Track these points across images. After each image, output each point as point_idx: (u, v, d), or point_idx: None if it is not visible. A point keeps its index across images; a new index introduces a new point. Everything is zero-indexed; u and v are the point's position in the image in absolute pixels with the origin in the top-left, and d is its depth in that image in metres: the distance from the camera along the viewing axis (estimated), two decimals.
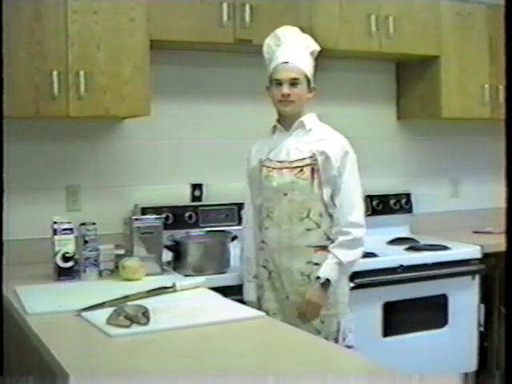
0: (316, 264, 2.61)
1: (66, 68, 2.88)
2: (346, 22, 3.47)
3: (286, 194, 2.63)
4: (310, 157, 2.62)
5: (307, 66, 2.66)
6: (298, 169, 2.62)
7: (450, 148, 4.23)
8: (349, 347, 2.59)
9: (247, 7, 3.21)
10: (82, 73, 2.89)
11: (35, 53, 2.83)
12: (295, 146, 2.67)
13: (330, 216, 2.63)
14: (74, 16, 2.89)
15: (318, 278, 2.58)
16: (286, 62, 2.63)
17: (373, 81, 4.01)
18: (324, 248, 2.62)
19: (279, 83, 2.63)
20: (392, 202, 3.92)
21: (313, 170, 2.61)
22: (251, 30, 3.22)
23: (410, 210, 3.99)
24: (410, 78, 4.00)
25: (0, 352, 2.18)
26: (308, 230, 2.62)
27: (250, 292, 2.79)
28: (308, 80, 2.65)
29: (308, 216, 2.62)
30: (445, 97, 3.80)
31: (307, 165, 2.62)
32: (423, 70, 3.89)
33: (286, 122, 2.70)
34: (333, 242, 2.62)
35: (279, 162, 2.67)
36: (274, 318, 2.60)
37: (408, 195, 4.00)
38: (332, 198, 2.63)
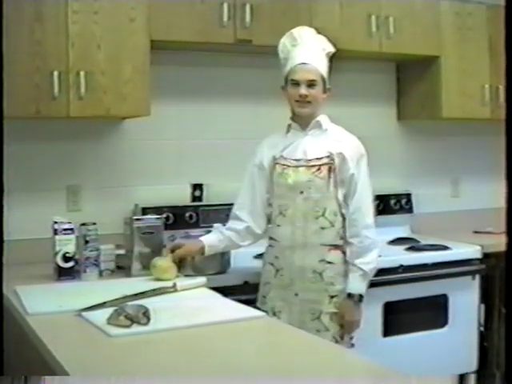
0: (329, 262, 2.64)
1: (67, 68, 2.88)
2: (346, 22, 3.47)
3: (301, 192, 2.64)
4: (328, 156, 2.64)
5: (324, 68, 2.67)
6: (316, 167, 2.64)
7: (450, 148, 4.23)
8: (351, 345, 2.64)
9: (247, 7, 3.21)
10: (82, 73, 2.89)
11: (36, 53, 2.83)
12: (312, 145, 2.68)
13: (343, 216, 2.66)
14: (75, 16, 2.89)
15: (350, 295, 2.63)
16: (304, 63, 2.63)
17: (373, 81, 4.01)
18: (337, 247, 2.66)
19: (296, 83, 2.63)
20: (392, 202, 3.92)
21: (330, 170, 2.63)
22: (251, 30, 3.23)
23: (410, 210, 3.99)
24: (410, 79, 4.01)
25: (0, 352, 2.18)
26: (322, 228, 2.64)
27: (208, 236, 2.81)
28: (324, 81, 2.66)
29: (323, 214, 2.64)
30: (445, 97, 3.80)
31: (324, 164, 2.64)
32: (423, 70, 3.90)
33: (302, 121, 2.71)
34: (346, 242, 2.65)
35: (295, 160, 2.68)
36: (279, 316, 2.64)
37: (408, 195, 4.00)
38: (345, 198, 2.66)
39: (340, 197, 2.65)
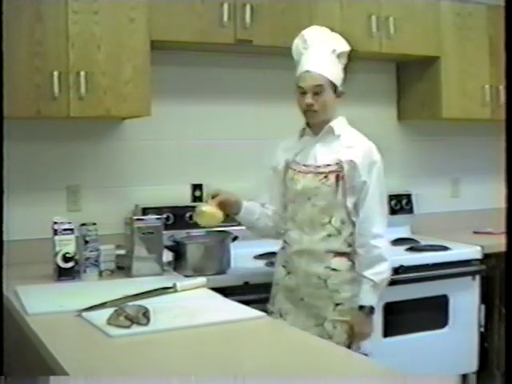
0: (334, 270, 2.59)
1: (67, 68, 2.88)
2: (346, 22, 3.47)
3: (309, 199, 2.61)
4: (336, 163, 2.58)
5: (332, 72, 2.60)
6: (323, 175, 2.59)
7: (450, 148, 4.23)
8: (364, 355, 2.53)
9: (248, 8, 3.21)
10: (82, 73, 2.89)
11: (36, 53, 2.83)
12: (323, 152, 2.63)
13: (353, 223, 2.60)
14: (75, 16, 2.89)
15: (362, 307, 2.57)
16: (309, 71, 2.58)
17: (373, 81, 4.01)
18: (343, 254, 2.60)
19: (303, 92, 2.59)
20: (393, 202, 3.91)
21: (338, 177, 2.57)
22: (252, 30, 3.23)
23: (410, 211, 3.99)
24: (410, 79, 4.01)
25: (0, 352, 2.18)
26: (329, 235, 2.59)
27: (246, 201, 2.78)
28: (334, 85, 2.60)
29: (330, 222, 2.59)
30: (445, 97, 3.80)
31: (332, 171, 2.58)
32: (423, 70, 3.90)
33: (315, 126, 2.66)
34: (355, 251, 2.60)
35: (305, 165, 2.65)
36: (285, 318, 2.64)
37: (408, 196, 4.00)
38: (356, 206, 2.59)
39: (349, 205, 2.58)
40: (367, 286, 2.56)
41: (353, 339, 2.59)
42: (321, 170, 2.61)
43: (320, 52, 2.61)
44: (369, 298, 2.57)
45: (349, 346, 2.56)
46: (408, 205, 3.98)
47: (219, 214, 2.66)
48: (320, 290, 2.61)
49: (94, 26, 2.93)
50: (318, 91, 2.58)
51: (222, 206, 2.69)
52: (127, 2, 3.00)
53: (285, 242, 2.73)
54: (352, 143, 2.63)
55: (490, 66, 3.89)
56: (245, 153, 3.59)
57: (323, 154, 2.63)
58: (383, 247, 2.58)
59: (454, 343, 3.43)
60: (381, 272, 2.56)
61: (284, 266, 2.72)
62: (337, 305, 2.60)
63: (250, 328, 2.12)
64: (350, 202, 2.58)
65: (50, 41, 2.86)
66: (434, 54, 3.79)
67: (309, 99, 2.58)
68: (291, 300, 2.68)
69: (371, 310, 2.59)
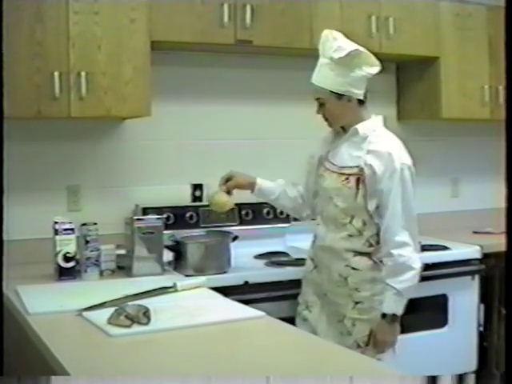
0: (354, 269, 2.58)
1: (67, 69, 2.89)
2: (346, 22, 3.47)
3: (332, 198, 2.61)
4: (357, 166, 2.55)
5: (330, 80, 2.55)
6: (345, 176, 2.57)
7: (450, 148, 4.24)
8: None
9: (248, 8, 3.21)
10: (83, 73, 2.90)
11: (36, 53, 2.84)
12: (348, 153, 2.61)
13: (376, 224, 2.56)
14: (75, 17, 2.90)
15: (384, 315, 2.54)
16: (312, 84, 2.59)
17: (373, 81, 3.99)
18: (364, 254, 2.58)
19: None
20: None
21: (358, 181, 2.54)
22: (252, 30, 3.23)
23: None
24: (410, 79, 4.01)
25: (0, 352, 2.18)
26: (350, 235, 2.58)
27: (265, 180, 2.87)
28: (337, 93, 2.56)
29: (351, 222, 2.58)
30: (445, 97, 3.81)
31: (354, 174, 2.56)
32: (423, 70, 3.90)
33: (345, 126, 2.67)
34: (377, 250, 2.57)
35: (333, 164, 2.65)
36: (310, 310, 2.69)
37: None
38: (379, 209, 2.55)
39: (370, 208, 2.55)
40: (390, 293, 2.52)
41: (375, 347, 2.57)
42: (344, 171, 2.60)
43: (321, 62, 2.59)
44: (391, 305, 2.53)
45: (367, 344, 2.57)
46: None
47: (229, 201, 2.83)
48: (340, 287, 2.61)
49: (95, 26, 2.94)
50: (321, 102, 2.61)
51: (236, 187, 2.85)
52: (128, 3, 3.00)
53: (315, 235, 2.75)
54: (375, 148, 2.57)
55: (490, 66, 3.89)
56: (245, 153, 3.59)
57: (348, 155, 2.62)
58: (408, 255, 2.50)
59: (453, 343, 3.43)
60: (405, 280, 2.50)
61: (312, 260, 2.74)
62: (356, 303, 2.59)
63: (250, 328, 2.12)
64: (371, 206, 2.55)
65: (51, 41, 2.86)
66: (434, 55, 3.80)
67: (317, 110, 2.63)
68: (317, 293, 2.71)
69: (394, 318, 2.55)
